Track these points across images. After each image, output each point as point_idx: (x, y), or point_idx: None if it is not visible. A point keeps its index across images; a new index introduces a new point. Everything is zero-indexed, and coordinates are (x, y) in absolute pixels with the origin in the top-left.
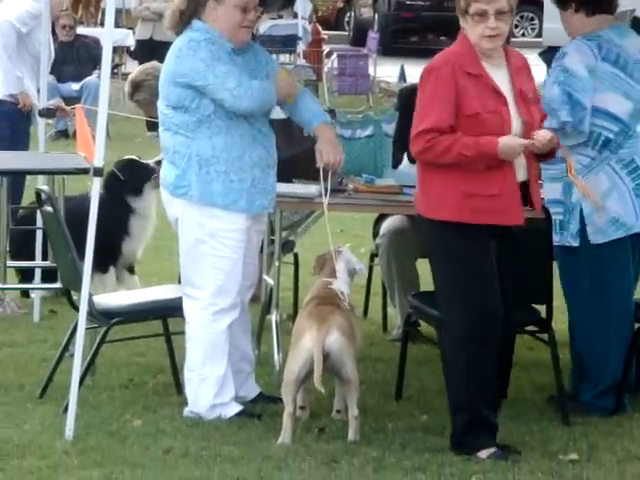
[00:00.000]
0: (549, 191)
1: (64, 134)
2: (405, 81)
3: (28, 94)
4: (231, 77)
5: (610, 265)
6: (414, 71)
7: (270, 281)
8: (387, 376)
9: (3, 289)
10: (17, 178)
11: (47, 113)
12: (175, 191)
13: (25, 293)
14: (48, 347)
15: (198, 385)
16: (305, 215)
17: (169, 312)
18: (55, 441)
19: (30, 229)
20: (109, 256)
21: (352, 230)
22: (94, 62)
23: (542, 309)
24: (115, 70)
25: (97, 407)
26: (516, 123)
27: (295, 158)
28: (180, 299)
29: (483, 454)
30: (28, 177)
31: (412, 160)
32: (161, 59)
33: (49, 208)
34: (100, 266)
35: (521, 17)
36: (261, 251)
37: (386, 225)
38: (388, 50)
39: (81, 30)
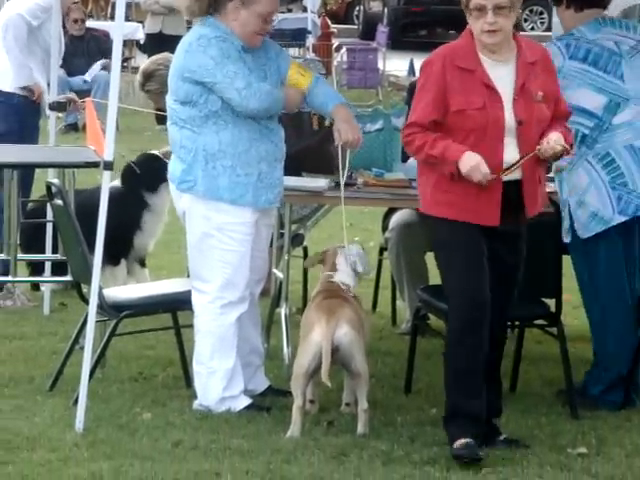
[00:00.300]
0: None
1: (74, 127)
2: (414, 75)
3: (39, 86)
4: (240, 77)
5: (599, 260)
6: None
7: (279, 275)
8: (396, 370)
9: (13, 282)
10: (26, 171)
11: (57, 106)
12: (181, 185)
13: (35, 286)
14: (58, 340)
15: (207, 378)
16: (314, 209)
17: (179, 305)
18: (65, 434)
19: (41, 222)
20: (120, 249)
21: (361, 224)
22: (104, 55)
23: (552, 303)
24: (125, 63)
25: (107, 400)
26: (510, 121)
27: (304, 152)
28: (189, 292)
29: (457, 444)
30: (38, 170)
31: None
32: (171, 52)
33: (59, 201)
34: (111, 259)
35: (530, 11)
36: (270, 245)
37: (395, 219)
38: (397, 44)
39: (91, 23)
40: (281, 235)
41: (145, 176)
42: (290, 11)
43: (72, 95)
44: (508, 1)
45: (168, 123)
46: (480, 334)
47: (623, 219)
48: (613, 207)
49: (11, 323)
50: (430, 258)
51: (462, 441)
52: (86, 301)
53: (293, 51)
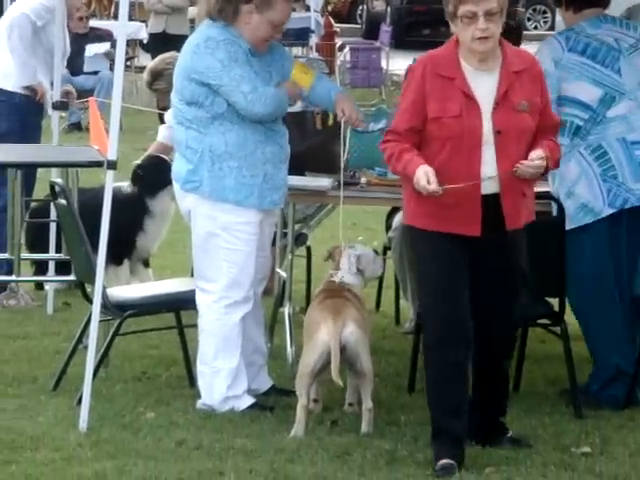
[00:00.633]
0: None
1: (77, 127)
2: None
3: (42, 85)
4: (246, 81)
5: (583, 252)
6: None
7: (283, 274)
8: (399, 369)
9: (17, 281)
10: (29, 171)
11: (61, 106)
12: (186, 185)
13: (39, 285)
14: (62, 339)
15: (211, 378)
16: (318, 208)
17: (182, 305)
18: (69, 433)
19: (44, 222)
20: (123, 249)
21: (364, 223)
22: (107, 56)
23: (555, 302)
24: (128, 63)
25: (110, 399)
26: (487, 131)
27: (308, 151)
28: (193, 292)
29: (438, 465)
30: (41, 170)
31: None
32: (174, 52)
33: (63, 201)
34: (115, 259)
35: (534, 10)
36: (273, 244)
37: (398, 218)
38: (400, 43)
39: (94, 23)
40: (284, 235)
41: (145, 179)
42: (293, 10)
43: (69, 87)
44: (498, 6)
45: (173, 123)
46: (456, 352)
47: (611, 211)
48: (604, 199)
49: (15, 323)
50: None
51: (442, 462)
52: (90, 300)
53: (296, 50)
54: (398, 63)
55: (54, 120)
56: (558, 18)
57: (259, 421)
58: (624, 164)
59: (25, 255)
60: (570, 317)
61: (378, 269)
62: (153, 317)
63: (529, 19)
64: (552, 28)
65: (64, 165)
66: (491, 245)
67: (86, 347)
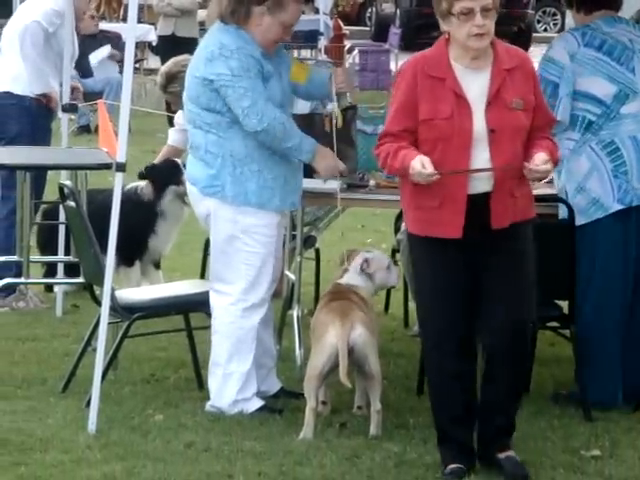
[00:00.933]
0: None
1: (86, 129)
2: None
3: (55, 91)
4: (249, 95)
5: (594, 248)
6: None
7: (292, 276)
8: (408, 371)
9: (26, 283)
10: (39, 173)
11: (70, 108)
12: (207, 190)
13: (49, 287)
14: (71, 341)
15: (223, 380)
16: (327, 210)
17: (191, 307)
18: (78, 435)
19: (53, 224)
20: (135, 251)
21: (373, 226)
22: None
23: (564, 305)
24: (137, 65)
25: (119, 402)
26: (481, 130)
27: None
28: (202, 294)
29: (447, 469)
30: (51, 172)
31: None
32: (183, 54)
33: (72, 203)
34: (126, 260)
35: (543, 12)
36: (282, 246)
37: None
38: (410, 45)
39: (103, 25)
40: (293, 237)
41: (151, 180)
42: (302, 13)
43: (75, 82)
44: (492, 2)
45: (189, 127)
46: (453, 361)
47: (620, 207)
48: (614, 195)
49: (24, 325)
50: None
51: (451, 466)
52: (99, 303)
53: (305, 53)
54: None
55: (63, 122)
56: (568, 20)
57: (268, 424)
58: (634, 162)
59: (34, 257)
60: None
61: (392, 279)
62: (162, 319)
63: (539, 21)
64: (562, 30)
65: (73, 168)
66: (486, 248)
67: (95, 349)
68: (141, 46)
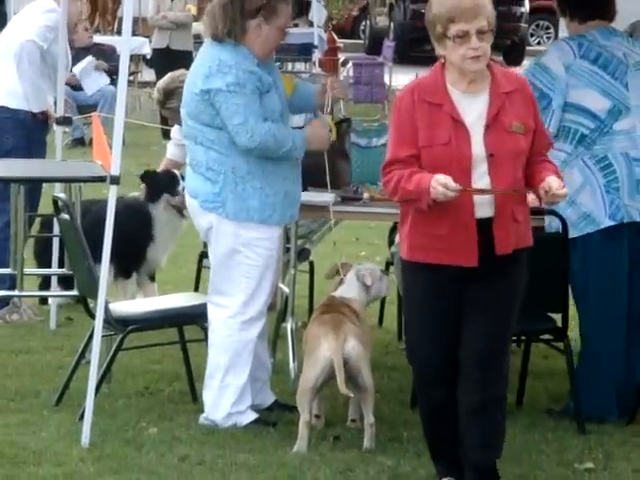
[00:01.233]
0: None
1: (80, 142)
2: None
3: (52, 106)
4: (239, 113)
5: (584, 263)
6: None
7: (285, 289)
8: (402, 384)
9: (20, 296)
10: (34, 186)
11: (64, 121)
12: (207, 204)
13: (43, 300)
14: (64, 354)
15: (218, 392)
16: (322, 223)
17: (185, 320)
18: (71, 448)
19: (47, 236)
20: (132, 262)
21: (367, 239)
22: (111, 73)
23: (558, 318)
24: (131, 78)
25: (113, 414)
26: (480, 154)
27: (311, 167)
28: (196, 307)
29: None
30: (45, 185)
31: None
32: (178, 68)
33: (66, 216)
34: (123, 272)
35: (537, 26)
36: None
37: None
38: (404, 58)
39: (98, 38)
40: (287, 250)
41: (147, 189)
42: (296, 26)
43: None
44: (488, 25)
45: (189, 142)
46: (441, 388)
47: (611, 223)
48: (606, 210)
49: (17, 337)
50: None
51: (447, 479)
52: (92, 315)
53: (299, 66)
54: (401, 78)
55: (57, 135)
56: (561, 33)
57: (262, 436)
58: (625, 179)
59: (28, 270)
60: (573, 332)
61: (384, 289)
62: (156, 332)
63: (532, 35)
64: None
65: (67, 180)
66: (484, 275)
67: (89, 362)
68: (135, 59)
